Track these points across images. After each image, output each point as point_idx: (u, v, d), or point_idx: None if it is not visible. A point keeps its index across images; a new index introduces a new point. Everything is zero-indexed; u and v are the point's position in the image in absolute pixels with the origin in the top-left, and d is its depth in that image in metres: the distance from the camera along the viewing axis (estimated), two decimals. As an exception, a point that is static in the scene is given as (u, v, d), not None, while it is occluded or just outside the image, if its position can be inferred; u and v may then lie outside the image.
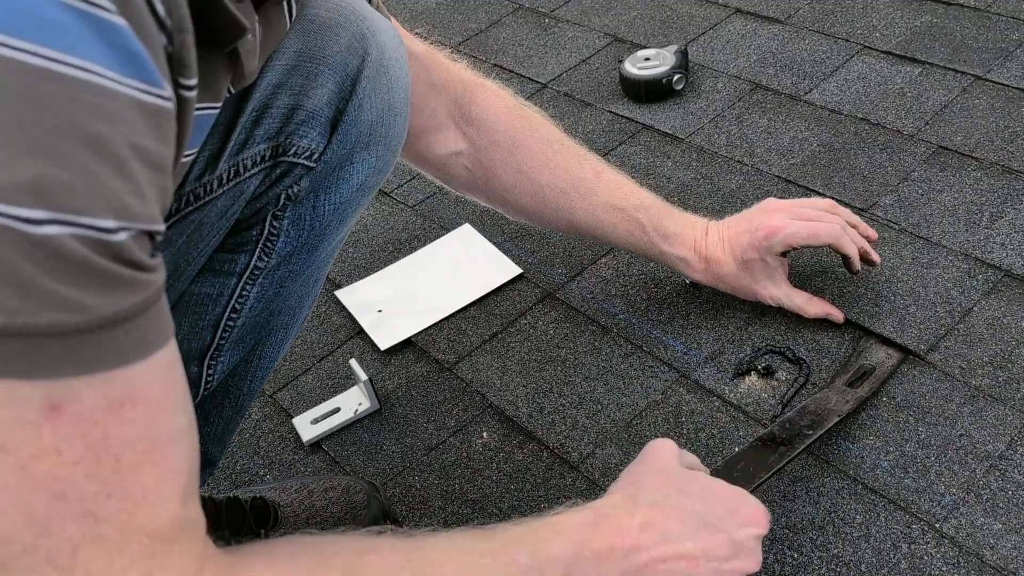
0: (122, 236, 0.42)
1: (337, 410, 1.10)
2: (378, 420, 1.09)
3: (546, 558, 0.63)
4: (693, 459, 0.80)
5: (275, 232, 0.78)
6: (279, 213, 0.77)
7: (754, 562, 0.72)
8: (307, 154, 0.74)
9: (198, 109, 0.55)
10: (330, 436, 1.08)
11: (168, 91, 0.45)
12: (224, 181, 0.71)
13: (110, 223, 0.42)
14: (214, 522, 0.91)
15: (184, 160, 0.56)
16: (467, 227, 1.33)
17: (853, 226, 1.05)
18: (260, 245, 0.78)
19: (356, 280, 1.29)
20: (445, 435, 1.06)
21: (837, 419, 0.92)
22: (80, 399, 0.43)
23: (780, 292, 1.07)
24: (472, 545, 0.62)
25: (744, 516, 0.73)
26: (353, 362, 1.09)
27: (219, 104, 0.59)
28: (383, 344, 1.18)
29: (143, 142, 0.44)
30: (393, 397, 1.12)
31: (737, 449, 0.91)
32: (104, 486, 0.44)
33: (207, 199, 0.71)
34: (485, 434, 1.05)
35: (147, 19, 0.43)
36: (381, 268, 1.30)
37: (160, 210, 0.46)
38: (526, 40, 1.73)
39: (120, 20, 0.42)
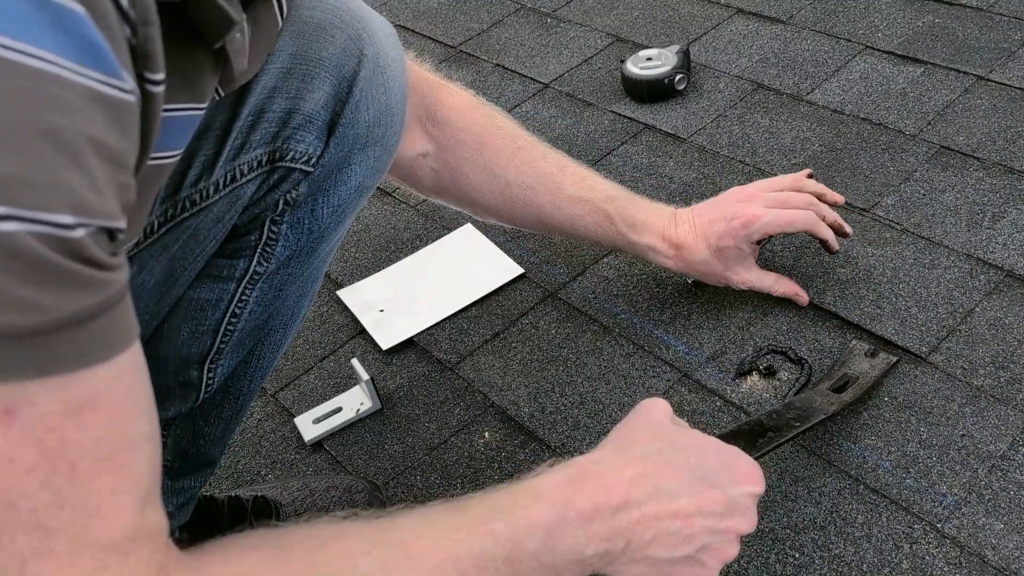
0: (80, 232, 0.41)
1: (339, 410, 1.10)
2: (380, 420, 1.09)
3: (525, 525, 0.59)
4: (684, 424, 0.75)
5: (274, 237, 0.77)
6: (277, 218, 0.76)
7: (749, 522, 0.68)
8: (304, 159, 0.74)
9: (176, 109, 0.54)
10: (332, 436, 1.09)
11: (130, 84, 0.43)
12: (220, 187, 0.71)
13: (67, 219, 0.40)
14: (215, 522, 0.91)
15: (161, 162, 0.55)
16: (469, 227, 1.33)
17: (820, 195, 1.07)
18: (259, 250, 0.77)
19: (358, 280, 1.29)
20: (447, 435, 1.06)
21: (823, 416, 0.91)
22: (35, 403, 0.41)
23: (751, 276, 1.08)
24: (444, 520, 0.59)
25: (739, 473, 0.70)
26: (355, 362, 1.09)
27: (203, 105, 0.58)
28: (385, 344, 1.18)
29: (101, 135, 0.42)
30: (395, 397, 1.12)
31: (723, 430, 0.89)
32: (57, 496, 0.42)
33: (203, 205, 0.70)
34: (487, 434, 1.05)
35: (108, 9, 0.41)
36: (383, 268, 1.30)
37: (120, 207, 0.44)
38: (528, 40, 1.73)
39: (78, 8, 0.40)
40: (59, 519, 0.42)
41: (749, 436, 0.86)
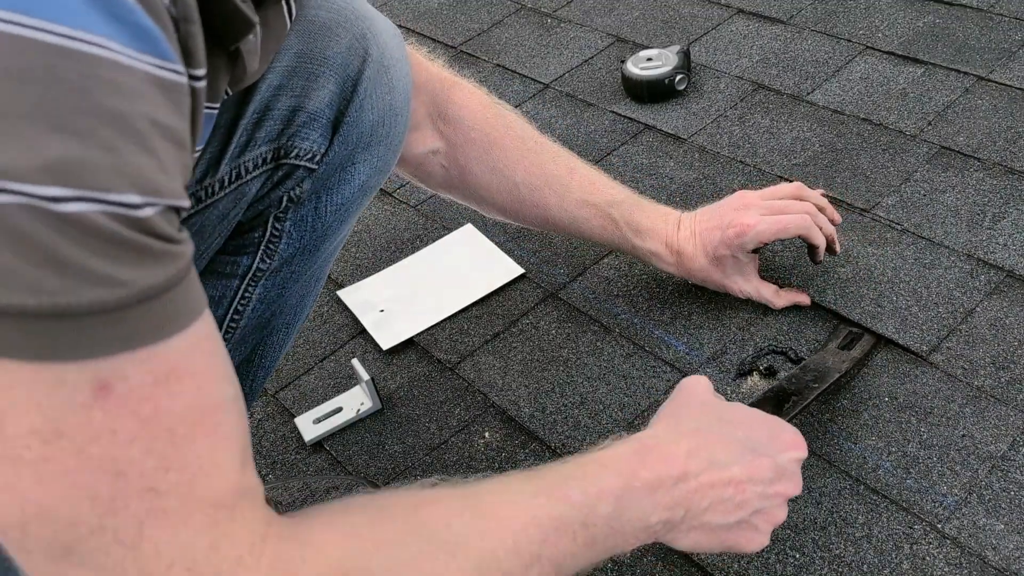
0: (148, 212, 0.42)
1: (339, 410, 1.10)
2: (380, 420, 1.09)
3: (597, 492, 0.63)
4: (723, 398, 0.80)
5: (277, 234, 0.78)
6: (281, 215, 0.77)
7: (796, 485, 0.73)
8: (309, 156, 0.74)
9: (210, 109, 0.55)
10: (332, 436, 1.09)
11: (182, 68, 0.45)
12: (225, 184, 0.71)
13: (135, 199, 0.41)
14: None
15: (193, 155, 0.57)
16: (469, 227, 1.33)
17: (821, 209, 1.06)
18: (262, 247, 0.78)
19: (358, 280, 1.29)
20: (447, 435, 1.06)
21: (838, 376, 0.96)
22: (127, 376, 0.43)
23: (750, 287, 1.08)
24: (524, 486, 0.62)
25: (784, 441, 0.74)
26: (355, 362, 1.09)
27: (217, 104, 0.59)
28: (385, 344, 1.18)
29: (162, 118, 0.43)
30: (395, 397, 1.12)
31: (749, 401, 0.92)
32: (162, 461, 0.44)
33: (208, 202, 0.71)
34: (487, 434, 1.05)
35: (157, 1, 0.43)
36: (383, 268, 1.30)
37: (183, 186, 0.46)
38: (528, 40, 1.73)
39: None
40: (167, 481, 0.45)
41: (775, 402, 0.91)
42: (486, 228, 1.32)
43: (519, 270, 1.24)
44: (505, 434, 1.04)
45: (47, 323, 0.40)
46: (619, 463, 0.66)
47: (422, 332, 1.19)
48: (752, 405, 0.89)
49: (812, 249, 1.05)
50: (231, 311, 0.79)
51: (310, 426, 1.09)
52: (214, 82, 0.56)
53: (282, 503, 0.94)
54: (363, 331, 1.21)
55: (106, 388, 0.42)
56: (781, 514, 0.73)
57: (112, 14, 0.41)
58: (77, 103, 0.40)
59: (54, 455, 0.42)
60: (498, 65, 1.67)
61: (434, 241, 1.32)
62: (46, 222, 0.39)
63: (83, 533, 0.43)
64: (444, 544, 0.55)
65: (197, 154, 0.58)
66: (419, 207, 1.40)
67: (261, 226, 0.77)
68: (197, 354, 0.46)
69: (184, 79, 0.45)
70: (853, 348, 1.01)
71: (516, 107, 1.55)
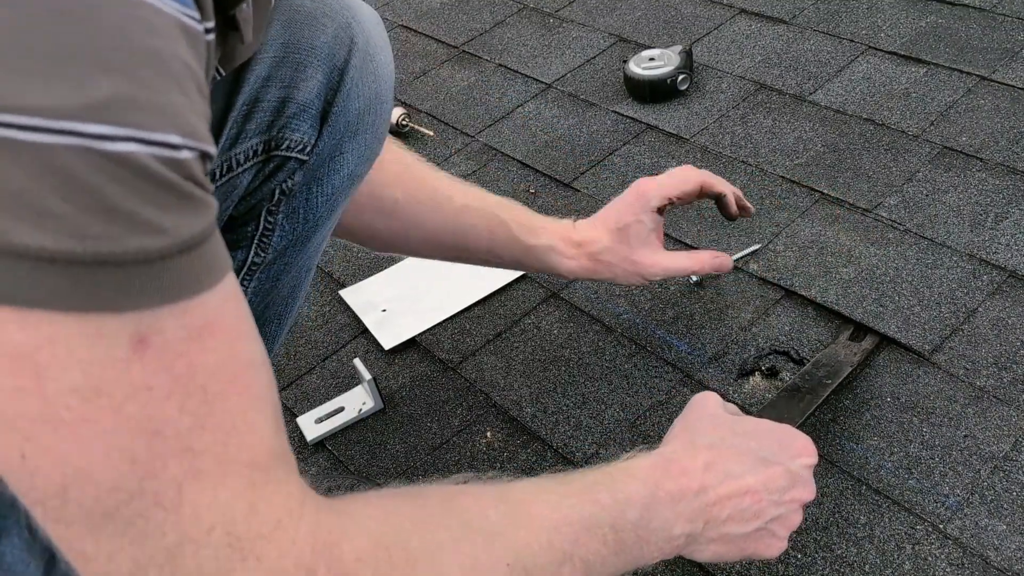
0: (187, 154, 0.41)
1: (341, 409, 1.10)
2: (382, 419, 1.09)
3: (625, 499, 0.64)
4: (734, 408, 0.81)
5: (270, 227, 0.77)
6: (274, 208, 0.76)
7: (810, 491, 0.75)
8: (300, 147, 0.74)
9: None
10: (334, 435, 1.09)
11: (199, 16, 0.44)
12: (217, 177, 0.71)
13: (176, 139, 0.41)
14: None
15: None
16: (471, 227, 1.33)
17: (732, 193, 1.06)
18: (256, 240, 0.78)
19: (360, 279, 1.29)
20: (449, 434, 1.06)
21: (850, 369, 0.97)
22: (163, 330, 0.41)
23: (661, 258, 1.01)
24: (555, 487, 0.63)
25: (795, 448, 0.76)
26: (357, 361, 1.09)
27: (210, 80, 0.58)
28: (387, 343, 1.18)
29: (191, 62, 0.43)
30: (397, 396, 1.12)
31: (764, 403, 0.92)
32: (197, 419, 0.43)
33: None
34: (489, 434, 1.05)
35: None
36: (385, 268, 1.30)
37: (208, 132, 0.45)
38: (530, 40, 1.73)
39: None
40: (203, 441, 0.43)
41: (788, 402, 0.92)
42: (488, 228, 1.32)
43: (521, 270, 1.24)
44: (507, 434, 1.04)
45: (92, 271, 0.38)
46: (644, 473, 0.68)
47: (424, 332, 1.19)
48: (767, 406, 0.90)
49: (721, 202, 1.03)
50: None
51: (312, 426, 1.09)
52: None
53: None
54: (365, 331, 1.21)
55: (143, 342, 0.41)
56: (797, 519, 0.74)
57: None
58: (118, 42, 0.39)
59: (93, 415, 0.40)
60: (500, 65, 1.67)
61: (436, 241, 1.32)
62: (96, 164, 0.38)
63: (123, 498, 0.41)
64: (481, 531, 0.56)
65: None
66: (421, 207, 1.40)
67: (254, 220, 0.77)
68: (227, 310, 0.45)
69: (203, 28, 0.45)
70: (864, 340, 1.02)
71: (518, 107, 1.55)
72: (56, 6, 0.38)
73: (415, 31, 1.84)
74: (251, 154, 0.73)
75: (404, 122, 1.51)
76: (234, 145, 0.71)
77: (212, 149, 0.44)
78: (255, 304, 0.80)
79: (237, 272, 0.78)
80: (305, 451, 1.08)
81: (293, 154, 0.74)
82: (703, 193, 1.02)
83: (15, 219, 0.37)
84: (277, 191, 0.75)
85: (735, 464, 0.71)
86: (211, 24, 0.47)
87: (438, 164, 1.46)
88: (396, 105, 1.52)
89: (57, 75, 0.38)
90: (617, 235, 1.00)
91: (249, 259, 0.78)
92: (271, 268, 0.80)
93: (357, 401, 1.11)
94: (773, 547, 0.73)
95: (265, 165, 0.74)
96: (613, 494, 0.64)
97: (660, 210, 1.00)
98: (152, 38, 0.40)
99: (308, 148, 0.75)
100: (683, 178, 1.01)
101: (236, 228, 0.77)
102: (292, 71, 0.73)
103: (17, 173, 0.37)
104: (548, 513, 0.60)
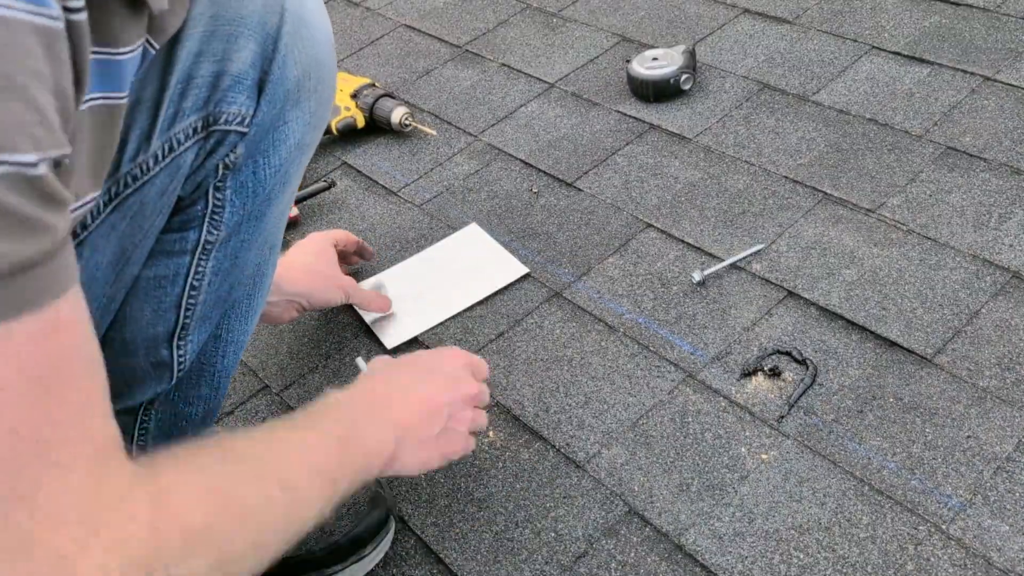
0: (43, 169, 0.44)
1: (343, 408, 1.10)
2: (384, 418, 1.09)
3: (337, 419, 0.76)
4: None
5: (220, 204, 0.78)
6: (220, 184, 0.76)
7: (472, 387, 0.87)
8: (238, 120, 0.74)
9: (104, 53, 0.55)
10: (336, 434, 1.08)
11: (56, 10, 0.45)
12: (160, 158, 0.71)
13: (32, 157, 0.43)
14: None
15: (109, 102, 0.57)
16: (474, 226, 1.33)
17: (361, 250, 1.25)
18: (207, 219, 0.78)
19: (363, 278, 1.29)
20: (451, 434, 1.06)
21: None
22: (11, 337, 0.45)
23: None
24: (291, 431, 0.72)
25: (448, 357, 0.89)
26: (359, 360, 1.09)
27: (120, 50, 0.58)
28: (389, 343, 1.18)
29: (41, 66, 0.44)
30: (399, 396, 1.12)
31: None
32: (47, 414, 0.47)
33: (145, 179, 0.71)
34: (491, 433, 1.05)
35: None
36: (388, 267, 1.30)
37: (64, 135, 0.47)
38: (534, 40, 1.73)
39: None
40: (55, 432, 0.48)
41: None
42: (491, 227, 1.32)
43: (524, 269, 1.24)
44: (509, 433, 1.04)
45: None
46: (346, 399, 0.79)
47: (426, 331, 1.19)
48: None
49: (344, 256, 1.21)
50: (187, 287, 0.79)
51: (314, 424, 1.09)
52: (105, 20, 0.55)
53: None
54: (367, 330, 1.21)
55: None
56: (470, 414, 0.86)
57: None
58: None
59: None
60: (503, 64, 1.67)
61: (439, 240, 1.32)
62: None
63: None
64: (254, 460, 0.65)
65: (91, 100, 0.57)
66: (424, 206, 1.40)
67: (202, 198, 0.77)
68: (71, 317, 0.49)
69: (59, 23, 0.46)
70: None
71: (521, 106, 1.55)
72: None
73: (418, 30, 1.84)
74: (191, 132, 0.72)
75: (407, 121, 1.51)
76: (172, 125, 0.71)
77: (63, 151, 0.47)
78: (218, 284, 0.81)
79: (191, 252, 0.79)
80: (307, 450, 1.07)
81: (232, 127, 0.74)
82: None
83: None
84: (220, 166, 0.75)
85: (407, 379, 0.85)
86: (77, 3, 0.48)
87: (441, 164, 1.46)
88: (400, 104, 1.52)
89: None
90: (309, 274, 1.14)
91: (202, 238, 0.78)
92: (227, 246, 0.80)
93: (359, 400, 1.11)
94: (459, 444, 0.85)
95: (206, 142, 0.74)
96: (333, 421, 0.75)
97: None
98: None
99: (247, 120, 0.74)
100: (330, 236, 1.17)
101: (185, 209, 0.77)
102: (223, 44, 0.72)
103: None
104: (296, 446, 0.69)
